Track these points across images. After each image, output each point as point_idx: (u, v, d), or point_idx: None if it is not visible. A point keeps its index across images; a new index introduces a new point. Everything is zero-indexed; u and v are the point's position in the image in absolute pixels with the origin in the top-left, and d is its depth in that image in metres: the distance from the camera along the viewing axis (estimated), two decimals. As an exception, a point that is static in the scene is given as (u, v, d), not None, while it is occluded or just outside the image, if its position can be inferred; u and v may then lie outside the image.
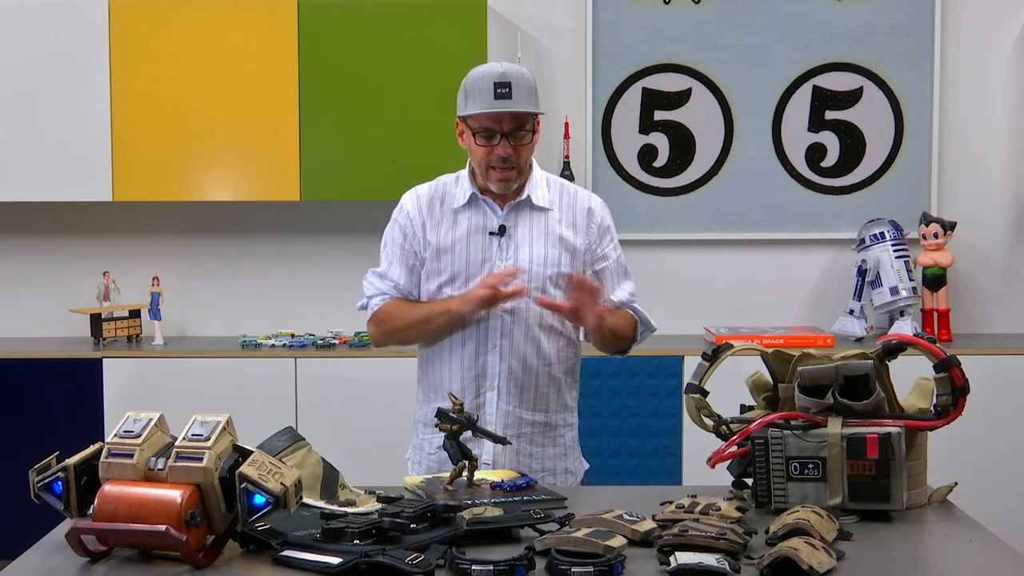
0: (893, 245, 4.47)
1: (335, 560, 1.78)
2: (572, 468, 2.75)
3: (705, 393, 2.31)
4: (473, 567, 1.76)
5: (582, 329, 2.67)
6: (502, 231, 2.61)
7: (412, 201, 2.69)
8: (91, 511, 1.85)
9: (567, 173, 4.58)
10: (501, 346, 2.59)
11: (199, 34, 4.41)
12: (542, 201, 2.65)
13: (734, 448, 2.20)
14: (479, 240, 2.62)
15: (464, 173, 2.68)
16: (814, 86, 4.69)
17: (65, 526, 1.94)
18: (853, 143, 4.70)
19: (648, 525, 1.95)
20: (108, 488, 1.83)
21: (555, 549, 1.82)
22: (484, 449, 2.56)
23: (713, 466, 2.23)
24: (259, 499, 1.79)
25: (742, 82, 4.68)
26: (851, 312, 4.54)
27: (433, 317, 2.60)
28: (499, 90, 2.51)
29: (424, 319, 2.61)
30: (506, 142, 2.54)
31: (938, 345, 2.15)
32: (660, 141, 4.71)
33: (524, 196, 2.64)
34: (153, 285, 4.60)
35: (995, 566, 1.93)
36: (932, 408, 2.19)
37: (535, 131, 2.60)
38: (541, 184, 2.68)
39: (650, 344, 4.34)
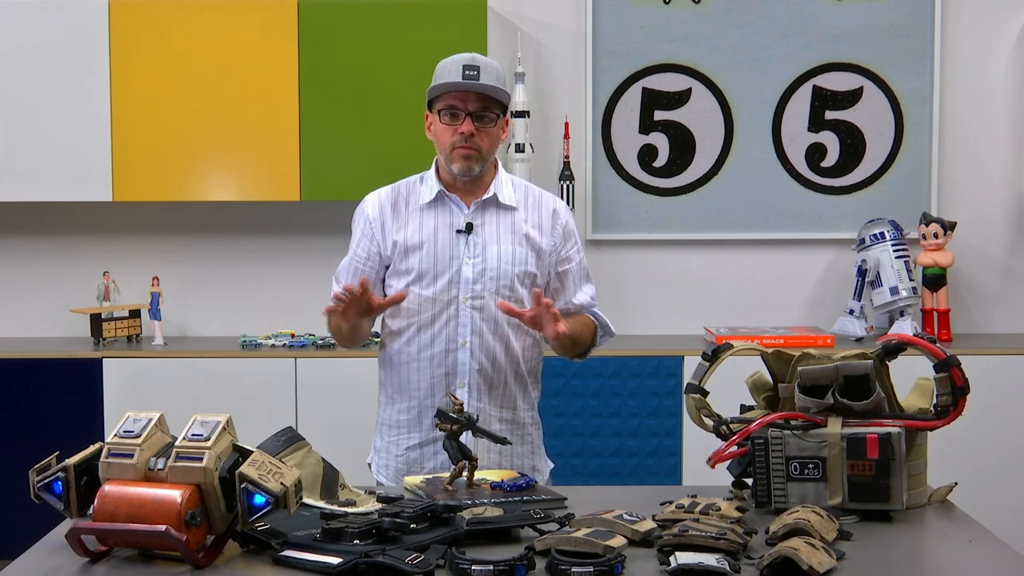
0: (893, 245, 4.47)
1: (335, 560, 1.78)
2: (539, 467, 2.76)
3: (705, 393, 2.31)
4: (473, 567, 1.76)
5: None
6: (469, 228, 2.63)
7: (373, 203, 2.71)
8: (91, 511, 1.85)
9: (567, 173, 4.58)
10: (471, 343, 2.61)
11: (199, 34, 4.41)
12: (508, 200, 2.67)
13: (734, 448, 2.20)
14: (447, 237, 2.63)
15: (429, 172, 2.70)
16: (814, 86, 4.69)
17: (65, 526, 1.94)
18: (853, 143, 4.70)
19: (648, 525, 1.95)
20: (108, 488, 1.83)
21: (555, 549, 1.82)
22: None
23: (713, 466, 2.23)
24: (259, 499, 1.79)
25: (742, 82, 4.68)
26: (851, 312, 4.54)
27: (338, 324, 2.63)
28: (467, 72, 2.55)
29: (335, 327, 2.67)
30: (470, 121, 2.56)
31: (938, 345, 2.15)
32: (660, 141, 4.71)
33: (491, 194, 2.66)
34: (153, 285, 4.60)
35: (995, 566, 1.93)
36: (932, 408, 2.19)
37: (501, 124, 2.62)
38: (506, 184, 2.70)
39: (650, 344, 4.40)
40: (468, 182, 2.64)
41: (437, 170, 2.69)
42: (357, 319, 2.56)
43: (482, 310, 2.61)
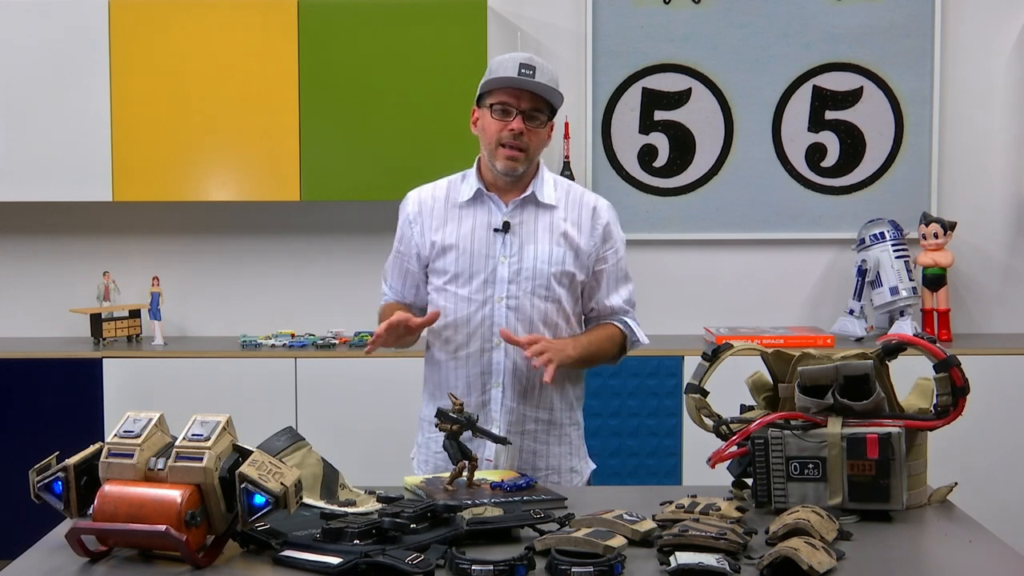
0: (893, 245, 4.47)
1: (335, 560, 1.78)
2: (578, 468, 2.75)
3: (705, 393, 2.31)
4: (473, 567, 1.76)
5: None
6: (506, 227, 2.62)
7: (414, 201, 2.71)
8: (91, 511, 1.85)
9: (567, 173, 4.58)
10: (506, 343, 2.60)
11: (199, 34, 4.41)
12: (548, 199, 2.65)
13: (734, 448, 2.20)
14: (483, 237, 2.62)
15: (471, 171, 2.69)
16: (814, 86, 4.69)
17: (65, 526, 1.94)
18: (853, 143, 4.70)
19: (648, 525, 1.95)
20: (108, 488, 1.83)
21: (555, 549, 1.82)
22: (487, 447, 2.57)
23: (713, 466, 2.23)
24: (259, 499, 1.79)
25: (742, 82, 4.69)
26: (851, 312, 4.54)
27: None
28: (524, 70, 2.54)
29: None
30: (521, 119, 2.56)
31: (938, 345, 2.15)
32: (660, 141, 4.71)
33: (529, 192, 2.64)
34: (153, 285, 4.60)
35: (995, 566, 1.93)
36: (932, 408, 2.19)
37: (548, 127, 2.63)
38: (548, 183, 2.68)
39: (650, 344, 4.38)
40: (509, 181, 2.63)
41: (479, 168, 2.67)
42: (397, 343, 2.57)
43: (517, 310, 2.60)
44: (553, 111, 2.62)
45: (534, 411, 2.64)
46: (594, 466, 2.82)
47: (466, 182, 2.68)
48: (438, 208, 2.66)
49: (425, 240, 2.65)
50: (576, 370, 2.72)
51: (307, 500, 2.02)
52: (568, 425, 2.72)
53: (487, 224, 2.63)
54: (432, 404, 2.69)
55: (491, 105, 2.58)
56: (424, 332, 2.72)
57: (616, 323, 2.73)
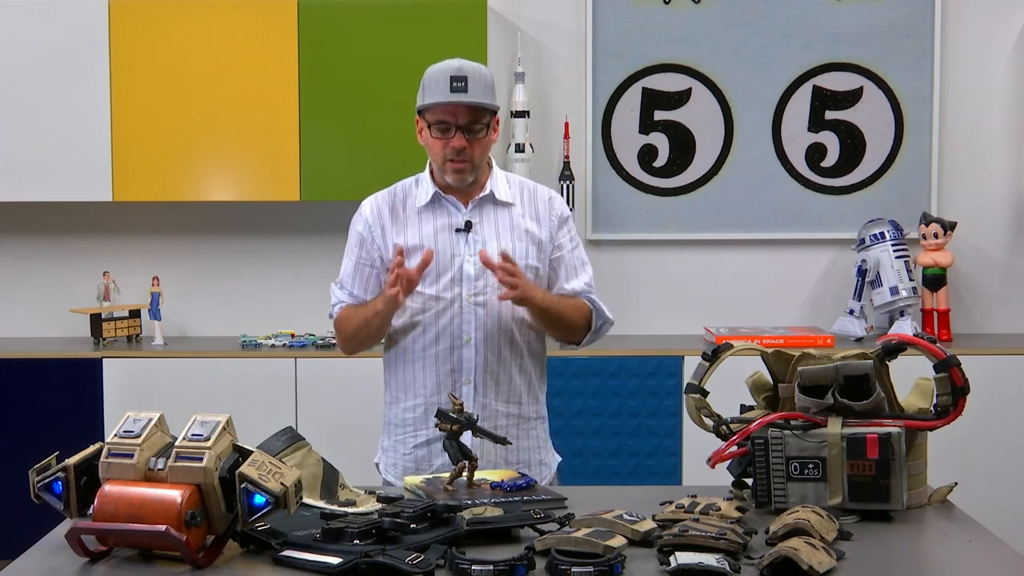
0: (893, 245, 4.47)
1: (335, 560, 1.78)
2: (546, 461, 2.77)
3: (705, 393, 2.31)
4: (473, 567, 1.76)
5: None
6: (468, 227, 2.64)
7: (371, 207, 2.72)
8: (91, 511, 1.85)
9: (567, 173, 4.58)
10: (476, 339, 2.62)
11: (199, 34, 4.41)
12: (504, 196, 2.68)
13: (734, 448, 2.20)
14: (446, 237, 2.64)
15: (424, 175, 2.71)
16: (814, 86, 4.69)
17: (65, 526, 1.94)
18: (853, 143, 4.70)
19: (648, 525, 1.95)
20: (108, 488, 1.83)
21: (555, 549, 1.82)
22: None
23: (713, 466, 2.23)
24: (259, 499, 1.79)
25: (742, 82, 4.68)
26: (851, 312, 4.53)
27: (369, 320, 2.62)
28: (455, 84, 2.54)
29: (363, 323, 2.64)
30: (461, 135, 2.57)
31: (938, 345, 2.15)
32: (660, 141, 4.71)
33: (487, 192, 2.67)
34: (153, 285, 4.60)
35: (995, 566, 1.93)
36: (932, 408, 2.19)
37: (492, 128, 2.63)
38: (501, 181, 2.71)
39: (650, 344, 4.40)
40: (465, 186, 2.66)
41: (432, 172, 2.69)
42: (407, 296, 2.54)
43: (485, 306, 2.62)
44: (493, 112, 2.62)
45: (504, 406, 2.65)
46: (560, 459, 2.83)
47: (420, 186, 2.69)
48: (397, 212, 2.68)
49: (387, 243, 2.66)
50: (540, 366, 2.73)
51: (307, 500, 2.02)
52: (535, 419, 2.74)
53: (448, 225, 2.65)
54: (397, 406, 2.71)
55: (430, 124, 2.59)
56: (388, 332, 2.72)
57: (582, 299, 2.73)
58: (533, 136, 4.58)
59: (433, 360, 2.64)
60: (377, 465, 2.78)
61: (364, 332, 2.67)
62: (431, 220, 2.66)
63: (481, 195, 2.67)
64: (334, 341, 4.46)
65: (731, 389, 2.40)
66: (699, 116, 4.70)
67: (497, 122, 2.66)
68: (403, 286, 2.50)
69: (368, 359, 4.40)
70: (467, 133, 2.57)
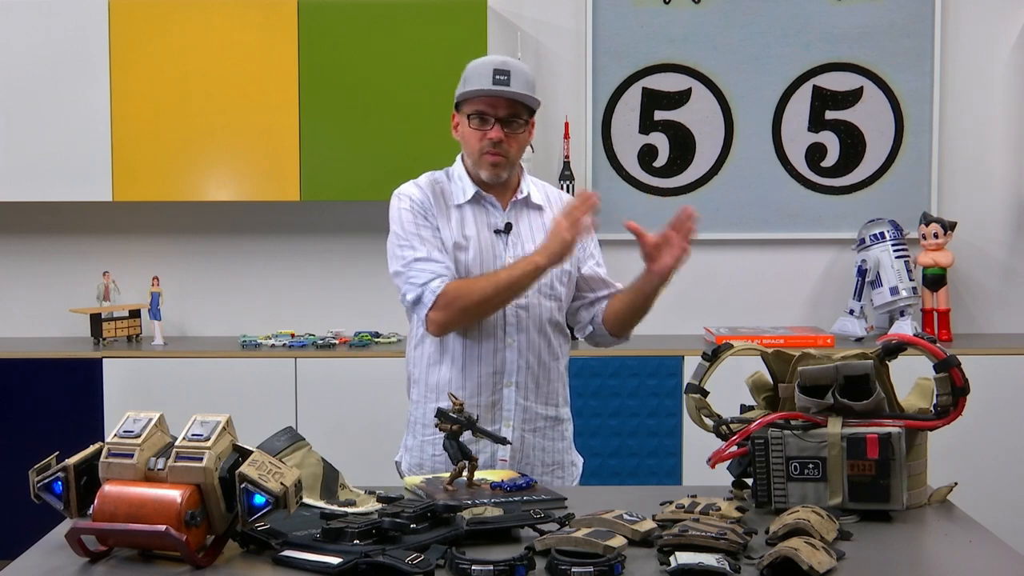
0: (893, 245, 4.48)
1: (335, 560, 1.78)
2: (575, 461, 2.79)
3: (705, 393, 2.31)
4: (473, 567, 1.76)
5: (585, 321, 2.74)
6: (508, 229, 2.63)
7: (417, 189, 2.64)
8: (91, 511, 1.84)
9: (567, 173, 4.58)
10: (518, 342, 2.60)
11: (199, 34, 4.41)
12: (537, 199, 2.69)
13: (734, 448, 2.20)
14: (487, 238, 2.62)
15: (456, 170, 2.67)
16: (814, 86, 4.69)
17: (65, 526, 1.94)
18: (853, 143, 4.70)
19: (648, 525, 1.95)
20: (108, 488, 1.83)
21: (555, 549, 1.82)
22: (500, 448, 2.58)
23: (713, 466, 2.23)
24: (259, 499, 1.78)
25: (742, 82, 4.69)
26: (851, 312, 4.54)
27: (521, 279, 2.48)
28: (498, 76, 2.53)
29: (510, 285, 2.49)
30: (499, 127, 2.56)
31: (938, 345, 2.15)
32: (660, 141, 4.71)
33: (524, 194, 2.66)
34: (153, 285, 4.60)
35: (995, 566, 1.93)
36: (932, 408, 2.19)
37: (529, 127, 2.62)
38: (533, 185, 2.71)
39: (650, 344, 4.39)
40: (499, 183, 2.64)
41: (466, 168, 2.66)
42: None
43: (527, 309, 2.60)
44: (532, 111, 2.61)
45: (543, 408, 2.66)
46: (583, 459, 2.84)
47: (454, 182, 2.66)
48: (439, 203, 2.63)
49: (440, 231, 2.61)
50: (567, 367, 2.73)
51: (307, 500, 2.02)
52: (566, 420, 2.75)
53: (488, 225, 2.63)
54: (426, 405, 2.66)
55: (468, 115, 2.58)
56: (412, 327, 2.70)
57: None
58: (533, 136, 4.58)
59: (476, 362, 2.60)
60: (398, 464, 2.74)
61: (503, 296, 2.51)
62: (472, 218, 2.63)
63: (519, 197, 2.65)
64: (334, 341, 4.49)
65: (731, 389, 2.40)
66: (699, 116, 4.70)
67: (533, 124, 2.64)
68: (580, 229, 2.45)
69: (369, 359, 4.43)
70: (505, 126, 2.56)
